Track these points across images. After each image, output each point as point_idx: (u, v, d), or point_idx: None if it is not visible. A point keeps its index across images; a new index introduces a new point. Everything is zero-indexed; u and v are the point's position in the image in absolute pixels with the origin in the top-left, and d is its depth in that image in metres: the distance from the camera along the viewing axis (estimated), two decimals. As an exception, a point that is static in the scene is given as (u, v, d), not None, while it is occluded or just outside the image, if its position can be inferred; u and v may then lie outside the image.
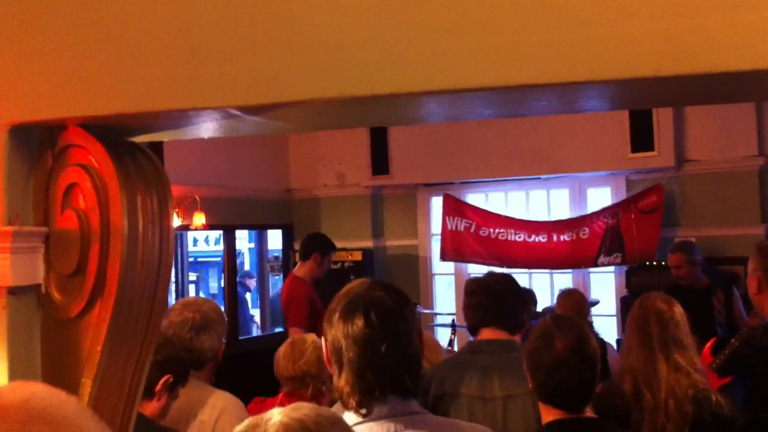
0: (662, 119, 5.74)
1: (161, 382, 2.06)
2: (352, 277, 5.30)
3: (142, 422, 1.86)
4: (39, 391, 0.74)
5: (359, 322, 1.43)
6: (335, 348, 1.46)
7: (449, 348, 5.17)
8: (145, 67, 1.39)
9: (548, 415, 1.88)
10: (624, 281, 5.91)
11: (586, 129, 5.86)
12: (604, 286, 6.38)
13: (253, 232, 7.85)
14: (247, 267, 9.45)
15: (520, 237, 6.23)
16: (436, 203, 6.76)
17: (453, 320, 5.74)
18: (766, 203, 5.66)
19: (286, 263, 7.27)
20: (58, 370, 1.40)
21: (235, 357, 5.39)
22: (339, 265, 6.25)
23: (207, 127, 1.64)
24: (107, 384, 1.34)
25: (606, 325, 5.97)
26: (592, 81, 1.19)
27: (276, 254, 7.71)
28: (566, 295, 4.21)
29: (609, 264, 6.01)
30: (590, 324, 4.11)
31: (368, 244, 6.87)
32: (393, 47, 1.25)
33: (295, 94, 1.32)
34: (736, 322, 4.56)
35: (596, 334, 3.06)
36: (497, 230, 6.31)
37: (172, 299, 6.57)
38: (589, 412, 1.89)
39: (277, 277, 7.83)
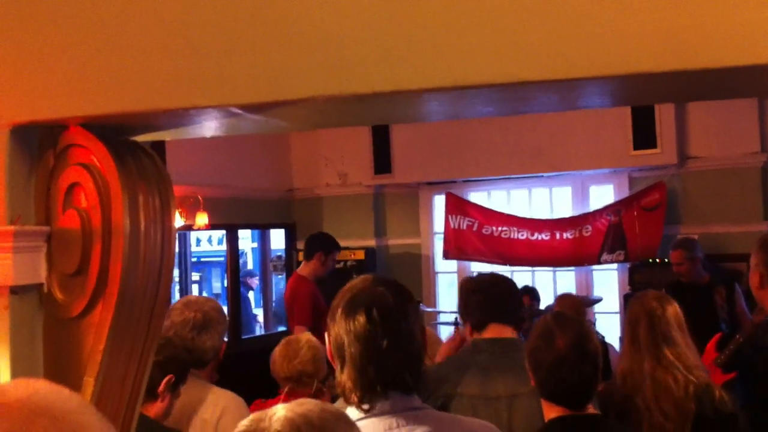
0: (664, 116, 5.73)
1: (164, 382, 2.06)
2: (354, 276, 5.29)
3: (146, 424, 1.87)
4: (42, 387, 0.74)
5: (361, 319, 1.44)
6: (338, 344, 1.47)
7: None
8: (145, 66, 1.39)
9: (551, 412, 1.89)
10: (627, 279, 5.91)
11: (589, 127, 5.85)
12: (607, 283, 6.38)
13: (256, 232, 7.86)
14: (250, 266, 9.46)
15: (522, 235, 6.23)
16: (439, 202, 6.76)
17: (456, 318, 5.74)
18: (769, 200, 5.66)
19: (288, 262, 7.27)
20: (61, 370, 1.40)
21: (239, 356, 5.40)
22: (341, 264, 6.25)
23: (208, 126, 1.65)
24: (109, 383, 1.34)
25: (609, 323, 5.96)
26: (593, 77, 1.18)
27: (279, 254, 7.72)
28: (564, 297, 4.32)
29: (612, 261, 6.00)
30: (591, 324, 4.13)
31: (371, 243, 6.87)
32: (393, 45, 1.25)
33: (295, 92, 1.32)
34: (738, 319, 4.56)
35: (597, 334, 3.07)
36: (500, 228, 6.30)
37: (176, 299, 6.57)
38: (591, 409, 1.89)
39: (279, 277, 7.83)
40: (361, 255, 6.62)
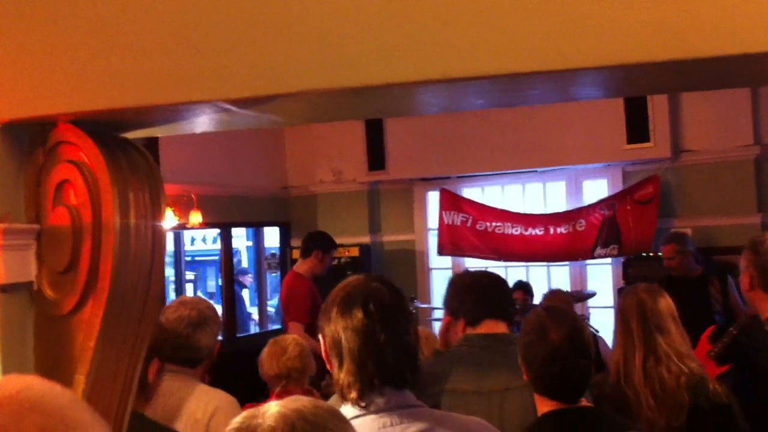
0: (658, 110, 5.74)
1: (152, 372, 2.00)
2: (349, 273, 5.30)
3: (142, 421, 1.85)
4: (34, 383, 0.74)
5: (359, 314, 1.44)
6: (335, 341, 1.46)
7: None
8: (135, 62, 1.38)
9: (544, 406, 1.88)
10: (621, 272, 5.92)
11: (582, 121, 5.85)
12: (601, 277, 6.39)
13: (251, 230, 7.84)
14: (245, 265, 9.44)
15: (516, 230, 6.24)
16: (433, 198, 6.76)
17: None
18: (762, 192, 5.67)
19: (283, 260, 7.26)
20: (52, 367, 1.39)
21: (233, 354, 5.39)
22: (336, 261, 6.24)
23: (200, 122, 1.63)
24: (101, 380, 1.33)
25: (603, 317, 5.97)
26: (586, 68, 1.18)
27: (273, 252, 7.71)
28: (553, 293, 4.38)
29: (606, 256, 6.01)
30: (585, 318, 4.15)
31: (365, 239, 6.87)
32: (386, 37, 1.25)
33: (287, 86, 1.31)
34: (732, 311, 4.57)
35: (589, 327, 3.10)
36: (494, 224, 6.31)
37: (171, 299, 6.55)
38: (584, 402, 1.88)
39: (274, 275, 7.82)
40: (355, 252, 6.62)
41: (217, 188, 6.31)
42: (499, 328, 2.36)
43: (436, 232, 6.57)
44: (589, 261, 6.24)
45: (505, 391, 2.20)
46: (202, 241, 10.29)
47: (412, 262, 6.91)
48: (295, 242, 6.64)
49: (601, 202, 6.02)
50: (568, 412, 1.85)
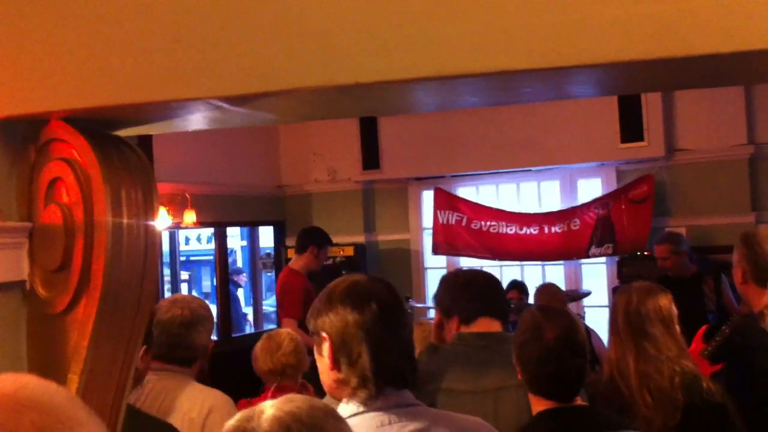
0: (652, 109, 5.75)
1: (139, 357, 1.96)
2: (344, 272, 5.30)
3: (135, 415, 1.83)
4: (30, 381, 0.74)
5: (364, 312, 1.44)
6: (341, 340, 1.45)
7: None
8: (127, 59, 1.37)
9: (538, 405, 1.88)
10: (616, 272, 5.92)
11: (576, 120, 5.86)
12: (596, 276, 6.40)
13: (245, 230, 7.82)
14: (239, 265, 9.42)
15: (511, 229, 6.24)
16: (428, 197, 6.76)
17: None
18: (757, 191, 5.69)
19: (278, 260, 7.25)
20: (45, 367, 1.38)
21: (229, 354, 5.38)
22: (331, 260, 6.24)
23: (194, 119, 1.63)
24: (94, 379, 1.32)
25: (598, 316, 5.98)
26: (580, 65, 1.18)
27: (268, 251, 7.69)
28: (545, 287, 4.38)
29: (600, 255, 6.02)
30: (580, 317, 4.15)
31: (360, 239, 6.87)
32: (379, 34, 1.24)
33: (281, 83, 1.31)
34: (725, 310, 4.58)
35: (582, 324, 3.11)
36: (489, 223, 6.31)
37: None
38: (579, 401, 1.88)
39: (269, 274, 7.80)
40: (350, 251, 6.61)
41: (212, 187, 6.29)
42: (494, 326, 2.35)
43: (430, 231, 6.57)
44: (583, 260, 6.25)
45: (499, 390, 2.20)
46: (197, 240, 10.26)
47: (407, 262, 6.91)
48: (290, 242, 6.62)
49: (595, 201, 6.03)
50: (563, 411, 1.85)
